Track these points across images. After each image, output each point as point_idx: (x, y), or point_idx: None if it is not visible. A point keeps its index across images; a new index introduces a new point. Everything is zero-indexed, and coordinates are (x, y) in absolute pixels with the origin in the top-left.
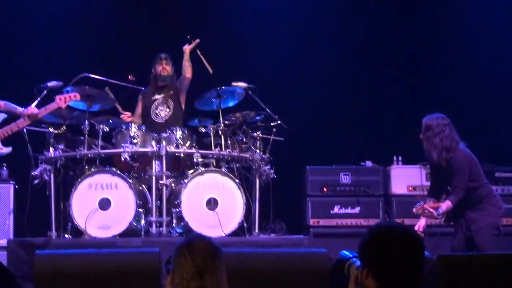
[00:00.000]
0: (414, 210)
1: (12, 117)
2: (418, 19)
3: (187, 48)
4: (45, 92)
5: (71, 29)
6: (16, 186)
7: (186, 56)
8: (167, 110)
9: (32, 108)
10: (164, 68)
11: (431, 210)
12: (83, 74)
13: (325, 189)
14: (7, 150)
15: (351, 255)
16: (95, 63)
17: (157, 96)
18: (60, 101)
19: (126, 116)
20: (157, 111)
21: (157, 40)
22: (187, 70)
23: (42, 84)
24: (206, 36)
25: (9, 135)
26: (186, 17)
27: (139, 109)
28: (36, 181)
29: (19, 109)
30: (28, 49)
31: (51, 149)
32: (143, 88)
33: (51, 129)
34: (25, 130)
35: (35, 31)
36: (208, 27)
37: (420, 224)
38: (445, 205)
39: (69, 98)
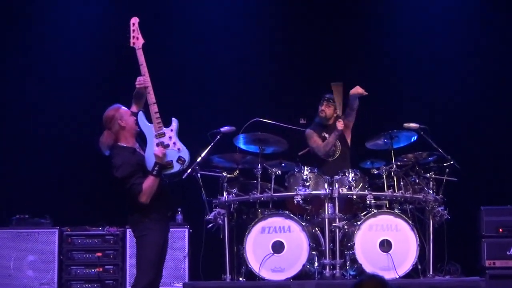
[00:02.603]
0: None
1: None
2: None
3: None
4: (218, 137)
5: (242, 76)
6: (191, 230)
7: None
8: (333, 149)
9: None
10: (323, 110)
11: None
12: (255, 118)
13: (501, 230)
14: (175, 123)
15: None
16: (266, 108)
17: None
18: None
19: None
20: None
21: (324, 81)
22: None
23: (215, 129)
24: (376, 77)
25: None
26: (353, 57)
27: (319, 140)
28: (210, 225)
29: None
30: (201, 96)
31: (225, 194)
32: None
33: (224, 174)
34: (199, 175)
35: (208, 78)
36: (377, 68)
37: None
38: None
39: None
